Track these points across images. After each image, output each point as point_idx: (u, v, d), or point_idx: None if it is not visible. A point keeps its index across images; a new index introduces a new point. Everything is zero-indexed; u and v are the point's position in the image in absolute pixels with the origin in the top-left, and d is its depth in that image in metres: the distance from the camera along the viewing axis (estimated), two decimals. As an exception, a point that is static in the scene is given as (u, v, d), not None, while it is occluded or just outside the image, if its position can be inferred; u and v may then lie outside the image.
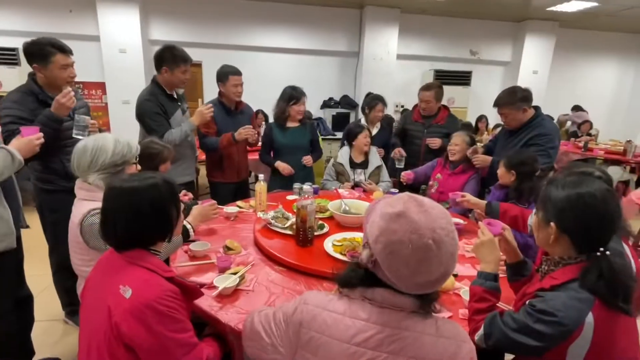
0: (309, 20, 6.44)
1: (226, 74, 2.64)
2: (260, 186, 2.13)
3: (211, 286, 1.34)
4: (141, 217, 1.01)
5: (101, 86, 5.91)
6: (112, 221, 1.02)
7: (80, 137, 1.81)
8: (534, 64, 7.06)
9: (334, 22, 6.53)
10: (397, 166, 3.00)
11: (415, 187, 2.74)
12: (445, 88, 6.57)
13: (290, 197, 2.40)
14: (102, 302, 0.97)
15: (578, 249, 0.98)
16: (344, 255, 1.57)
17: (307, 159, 2.79)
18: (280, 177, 2.79)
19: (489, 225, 1.26)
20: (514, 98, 2.34)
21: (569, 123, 6.95)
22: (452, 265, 0.78)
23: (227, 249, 1.64)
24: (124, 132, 1.72)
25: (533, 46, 6.95)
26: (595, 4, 5.55)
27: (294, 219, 1.86)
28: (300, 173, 2.81)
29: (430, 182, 2.55)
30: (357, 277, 0.83)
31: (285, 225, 1.82)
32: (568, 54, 7.43)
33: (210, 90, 5.84)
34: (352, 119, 6.81)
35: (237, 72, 2.65)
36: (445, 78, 6.66)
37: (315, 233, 1.73)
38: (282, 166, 2.75)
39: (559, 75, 7.31)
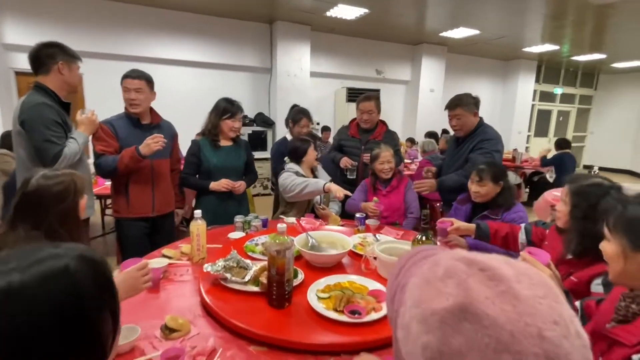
0: (215, 32, 5.90)
1: (122, 78, 2.05)
2: (198, 226, 1.57)
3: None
4: (33, 347, 0.45)
5: None
6: None
7: None
8: (431, 83, 7.77)
9: (244, 36, 6.13)
10: (349, 177, 2.75)
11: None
12: (358, 105, 6.87)
13: (234, 236, 1.88)
14: None
15: None
16: (341, 312, 1.16)
17: (239, 185, 2.30)
18: (211, 206, 2.24)
19: (533, 255, 1.02)
20: (469, 100, 2.38)
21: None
22: None
23: (168, 330, 1.08)
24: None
25: (429, 67, 7.65)
26: (477, 32, 6.36)
27: (254, 268, 1.38)
28: (231, 201, 2.32)
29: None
30: None
31: (246, 279, 1.32)
32: (456, 76, 8.40)
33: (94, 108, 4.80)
34: (269, 138, 6.42)
35: (131, 75, 2.03)
36: (356, 95, 6.75)
37: (291, 285, 1.28)
38: (223, 183, 2.23)
39: (451, 94, 8.13)
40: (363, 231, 1.96)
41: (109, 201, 4.49)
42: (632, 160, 10.10)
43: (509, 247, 1.64)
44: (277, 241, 1.18)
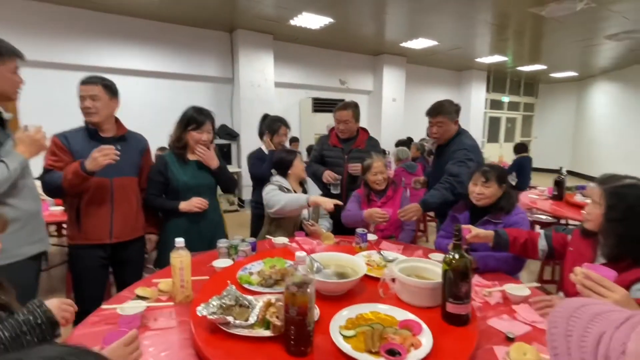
0: (173, 40, 5.54)
1: (79, 85, 1.75)
2: (182, 258, 1.29)
3: None
4: None
5: None
6: None
7: None
8: (393, 92, 7.91)
9: (203, 45, 5.81)
10: (332, 192, 2.56)
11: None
12: (323, 115, 6.77)
13: (219, 264, 1.60)
14: None
15: None
16: (376, 354, 0.97)
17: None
18: (181, 230, 1.94)
19: (595, 271, 0.89)
20: (451, 108, 2.31)
21: (427, 145, 7.98)
22: None
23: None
24: None
25: (390, 77, 7.79)
26: (435, 42, 6.57)
27: (258, 305, 1.14)
28: (204, 222, 2.03)
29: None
30: None
31: (251, 321, 1.08)
32: (415, 85, 8.65)
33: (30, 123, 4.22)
34: (233, 151, 6.10)
35: (86, 80, 1.75)
36: (322, 105, 6.73)
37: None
38: (194, 202, 1.94)
39: (412, 103, 8.38)
40: (365, 249, 1.78)
41: (52, 228, 3.93)
42: (571, 161, 11.00)
43: (528, 254, 1.55)
44: (294, 274, 0.96)
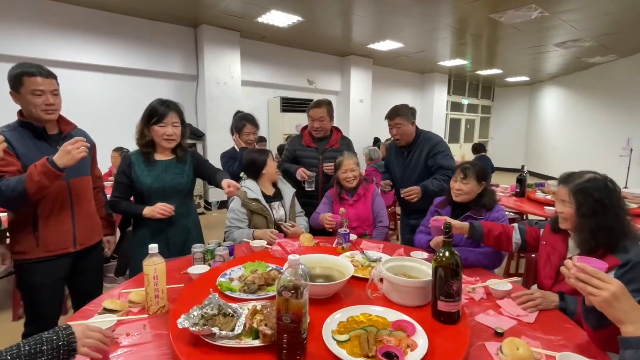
0: (132, 34, 5.22)
1: (19, 77, 1.50)
2: (156, 265, 1.19)
3: None
4: None
5: None
6: None
7: None
8: (360, 93, 7.99)
9: (165, 40, 5.53)
10: (307, 189, 2.56)
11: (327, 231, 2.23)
12: (292, 115, 6.69)
13: (195, 271, 1.49)
14: None
15: None
16: (373, 358, 0.93)
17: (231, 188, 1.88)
18: (147, 238, 1.81)
19: (588, 263, 0.91)
20: (408, 110, 2.50)
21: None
22: None
23: None
24: None
25: (357, 79, 7.86)
26: (401, 45, 6.72)
27: (244, 313, 1.07)
28: (174, 229, 1.88)
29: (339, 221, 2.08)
30: None
31: (237, 331, 1.00)
32: (381, 87, 8.80)
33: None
34: (199, 151, 5.85)
35: (41, 72, 1.52)
36: (290, 105, 6.66)
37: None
38: (158, 208, 1.76)
39: (379, 104, 8.51)
40: (348, 249, 1.74)
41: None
42: (525, 160, 11.72)
43: (501, 247, 1.59)
44: (290, 277, 0.90)
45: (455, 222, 1.53)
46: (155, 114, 1.81)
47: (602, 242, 1.21)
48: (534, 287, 1.56)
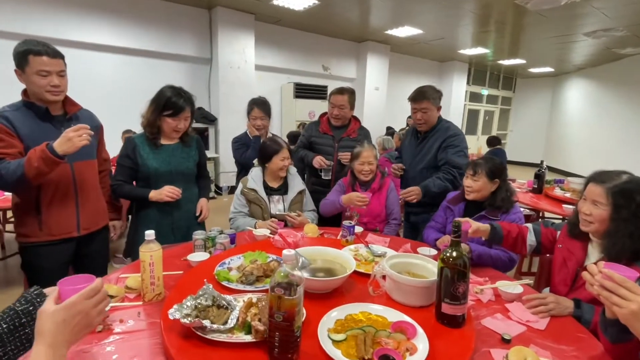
0: (145, 15, 5.18)
1: (25, 55, 1.45)
2: (152, 252, 1.16)
3: None
4: None
5: None
6: None
7: None
8: (375, 81, 7.80)
9: (179, 21, 5.48)
10: (323, 177, 2.54)
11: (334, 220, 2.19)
12: (305, 101, 6.59)
13: (195, 258, 1.47)
14: None
15: None
16: (369, 361, 0.88)
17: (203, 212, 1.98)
18: (152, 222, 1.81)
19: (615, 270, 0.83)
20: (436, 94, 2.29)
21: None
22: None
23: None
24: None
25: (373, 65, 7.67)
26: (420, 31, 6.49)
27: (238, 306, 1.03)
28: (179, 213, 1.88)
29: (348, 213, 1.96)
30: None
31: (230, 325, 0.97)
32: (398, 75, 8.57)
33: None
34: (211, 135, 5.86)
35: (47, 52, 1.47)
36: (304, 91, 6.56)
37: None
38: (166, 191, 1.77)
39: (394, 93, 8.32)
40: (352, 242, 1.69)
41: (9, 214, 3.63)
42: (545, 155, 11.34)
43: (515, 249, 1.50)
44: (284, 274, 0.85)
45: (480, 225, 1.43)
46: (171, 107, 1.78)
47: (635, 248, 1.12)
48: (546, 290, 1.48)
